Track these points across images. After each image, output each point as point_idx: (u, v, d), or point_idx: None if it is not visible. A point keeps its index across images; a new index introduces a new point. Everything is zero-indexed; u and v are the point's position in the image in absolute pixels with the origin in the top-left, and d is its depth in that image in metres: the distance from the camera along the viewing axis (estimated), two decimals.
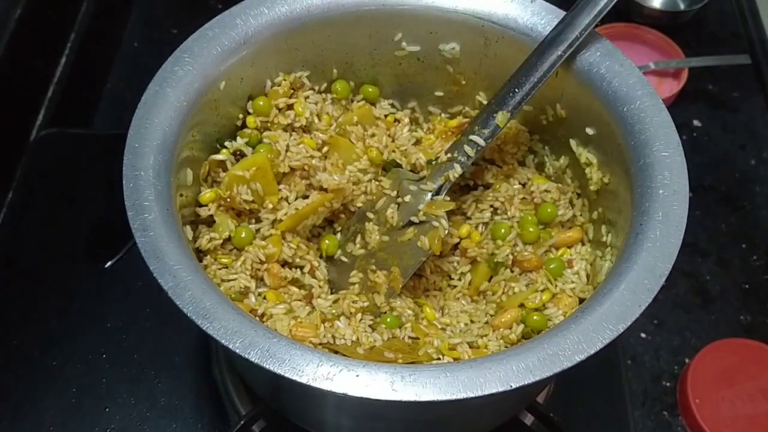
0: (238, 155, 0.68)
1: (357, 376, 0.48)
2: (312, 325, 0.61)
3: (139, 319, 0.84)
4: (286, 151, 0.70)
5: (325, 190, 0.69)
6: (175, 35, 1.16)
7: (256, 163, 0.67)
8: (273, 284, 0.66)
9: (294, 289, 0.67)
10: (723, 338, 0.88)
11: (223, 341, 0.49)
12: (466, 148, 0.67)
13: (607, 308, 0.52)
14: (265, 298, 0.64)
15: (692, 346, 0.89)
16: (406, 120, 0.76)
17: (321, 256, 0.71)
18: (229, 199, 0.66)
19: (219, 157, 0.67)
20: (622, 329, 0.51)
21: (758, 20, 1.21)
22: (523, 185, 0.73)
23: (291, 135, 0.72)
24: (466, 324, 0.67)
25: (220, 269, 0.65)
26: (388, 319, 0.64)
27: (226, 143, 0.69)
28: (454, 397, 0.47)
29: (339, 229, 0.73)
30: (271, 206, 0.68)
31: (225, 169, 0.67)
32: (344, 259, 0.70)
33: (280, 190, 0.69)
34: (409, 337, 0.63)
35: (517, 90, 0.65)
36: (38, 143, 0.99)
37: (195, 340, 0.84)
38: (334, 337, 0.61)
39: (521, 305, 0.66)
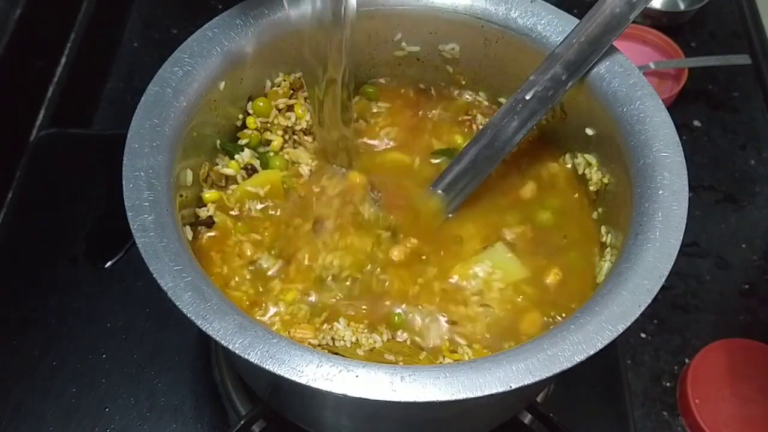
0: (249, 169, 0.68)
1: (357, 376, 0.48)
2: (311, 326, 0.61)
3: (139, 319, 0.84)
4: (310, 175, 0.70)
5: None
6: (175, 35, 1.16)
7: (270, 180, 0.67)
8: None
9: None
10: (723, 338, 0.88)
11: (222, 342, 0.49)
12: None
13: (607, 309, 0.52)
14: None
15: (692, 346, 0.89)
16: None
17: None
18: (237, 212, 0.66)
19: (228, 171, 0.67)
20: (621, 329, 0.51)
21: (758, 20, 1.21)
22: None
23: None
24: None
25: None
26: (396, 319, 0.64)
27: (236, 156, 0.69)
28: (453, 398, 0.47)
29: None
30: None
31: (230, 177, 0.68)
32: None
33: None
34: (412, 342, 0.63)
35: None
36: (38, 143, 0.99)
37: (195, 340, 0.84)
38: (333, 339, 0.61)
39: None
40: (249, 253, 0.65)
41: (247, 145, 0.70)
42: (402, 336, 0.63)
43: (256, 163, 0.69)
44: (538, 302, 0.64)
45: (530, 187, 0.70)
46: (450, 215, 0.69)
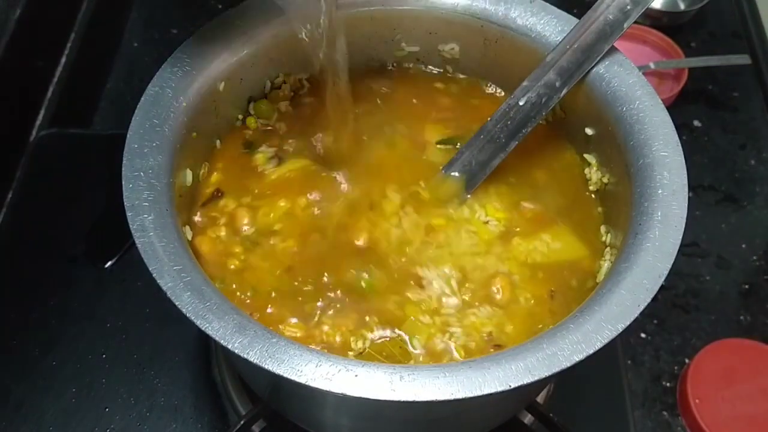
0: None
1: (356, 376, 0.48)
2: (303, 326, 0.61)
3: (139, 319, 0.84)
4: None
5: None
6: (175, 35, 1.16)
7: (302, 164, 0.67)
8: None
9: None
10: (723, 338, 0.88)
11: (222, 341, 0.49)
12: None
13: (606, 308, 0.52)
14: None
15: (692, 346, 0.89)
16: None
17: None
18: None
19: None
20: (621, 329, 0.51)
21: (758, 20, 1.21)
22: None
23: None
24: None
25: None
26: (363, 284, 0.61)
27: (260, 149, 0.69)
28: (452, 397, 0.47)
29: None
30: None
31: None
32: None
33: None
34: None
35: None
36: (38, 143, 0.99)
37: (195, 340, 0.84)
38: (324, 342, 0.60)
39: None
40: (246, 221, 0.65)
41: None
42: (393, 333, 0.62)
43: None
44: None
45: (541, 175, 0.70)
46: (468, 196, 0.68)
